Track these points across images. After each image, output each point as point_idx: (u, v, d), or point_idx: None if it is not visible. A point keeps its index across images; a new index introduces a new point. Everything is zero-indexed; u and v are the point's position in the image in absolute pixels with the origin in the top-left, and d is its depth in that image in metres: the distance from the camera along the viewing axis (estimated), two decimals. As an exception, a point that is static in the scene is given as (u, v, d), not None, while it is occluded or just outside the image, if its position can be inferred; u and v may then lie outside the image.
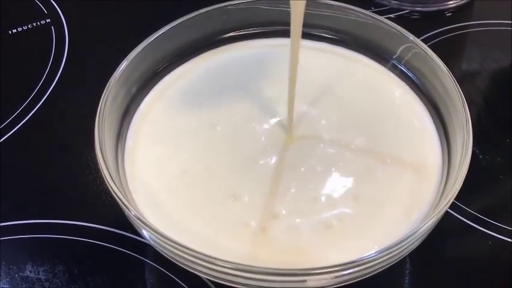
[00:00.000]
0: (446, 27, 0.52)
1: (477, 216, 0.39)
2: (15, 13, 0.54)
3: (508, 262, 0.37)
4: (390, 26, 0.39)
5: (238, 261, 0.27)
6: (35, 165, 0.42)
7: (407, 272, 0.36)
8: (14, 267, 0.36)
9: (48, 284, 0.35)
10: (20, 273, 0.36)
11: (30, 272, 0.36)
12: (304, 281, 0.27)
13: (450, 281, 0.36)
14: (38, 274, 0.36)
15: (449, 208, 0.38)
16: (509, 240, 0.38)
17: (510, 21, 0.53)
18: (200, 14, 0.39)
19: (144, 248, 0.37)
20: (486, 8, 0.55)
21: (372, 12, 0.40)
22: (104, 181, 0.40)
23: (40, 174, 0.42)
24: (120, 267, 0.36)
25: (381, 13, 0.39)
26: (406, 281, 0.36)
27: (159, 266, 0.36)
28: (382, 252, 0.27)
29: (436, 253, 0.37)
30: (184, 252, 0.28)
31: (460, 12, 0.55)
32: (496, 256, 0.37)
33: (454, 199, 0.38)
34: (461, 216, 0.39)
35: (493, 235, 0.38)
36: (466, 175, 0.31)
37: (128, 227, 0.38)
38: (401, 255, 0.29)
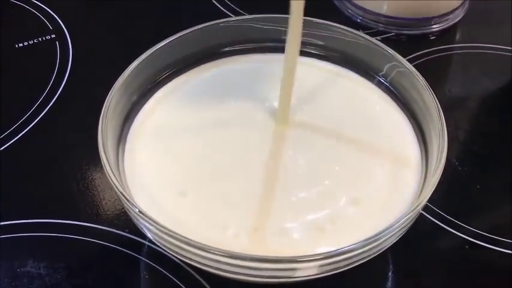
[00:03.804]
0: (430, 49, 0.55)
1: (459, 224, 0.41)
2: (21, 28, 0.57)
3: (484, 264, 0.40)
4: (378, 46, 0.41)
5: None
6: (37, 170, 0.44)
7: (390, 272, 0.39)
8: (16, 263, 0.38)
9: (48, 278, 0.37)
10: (22, 269, 0.38)
11: (32, 267, 0.38)
12: (293, 269, 0.29)
13: (429, 280, 0.39)
14: (39, 269, 0.38)
15: (432, 216, 0.41)
16: (485, 244, 0.40)
17: (490, 45, 0.56)
18: (197, 29, 0.42)
19: (140, 246, 0.39)
20: (468, 32, 0.58)
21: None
22: (104, 185, 0.42)
23: (42, 178, 0.44)
24: (117, 263, 0.38)
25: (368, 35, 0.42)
26: (390, 279, 0.39)
27: (153, 263, 0.38)
28: (362, 243, 0.29)
29: (416, 255, 0.39)
30: (177, 240, 0.30)
31: (443, 36, 0.57)
32: (475, 261, 0.40)
33: (435, 207, 0.41)
34: (442, 223, 0.41)
35: (470, 240, 0.40)
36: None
37: (125, 226, 0.40)
38: (380, 248, 0.31)
